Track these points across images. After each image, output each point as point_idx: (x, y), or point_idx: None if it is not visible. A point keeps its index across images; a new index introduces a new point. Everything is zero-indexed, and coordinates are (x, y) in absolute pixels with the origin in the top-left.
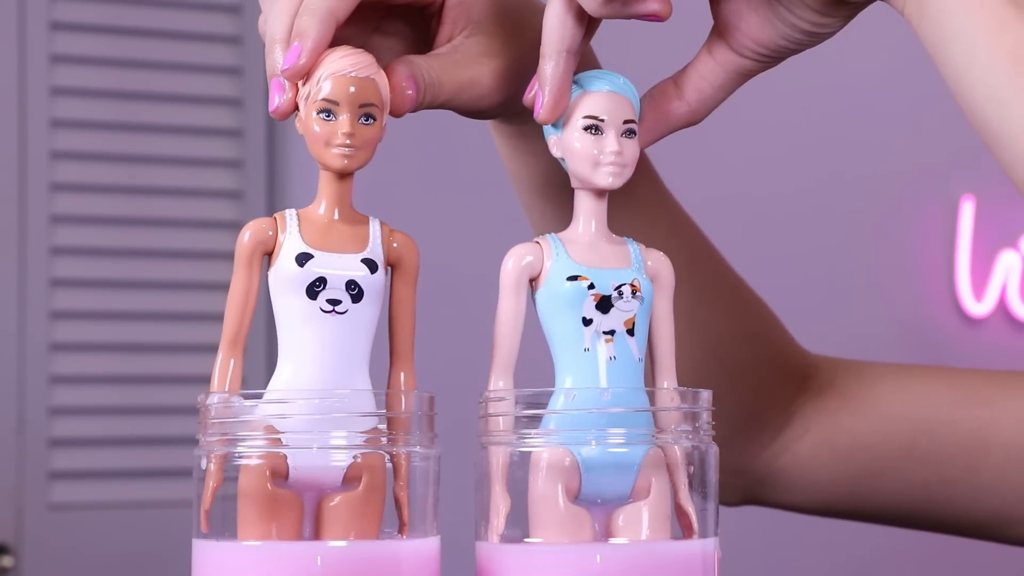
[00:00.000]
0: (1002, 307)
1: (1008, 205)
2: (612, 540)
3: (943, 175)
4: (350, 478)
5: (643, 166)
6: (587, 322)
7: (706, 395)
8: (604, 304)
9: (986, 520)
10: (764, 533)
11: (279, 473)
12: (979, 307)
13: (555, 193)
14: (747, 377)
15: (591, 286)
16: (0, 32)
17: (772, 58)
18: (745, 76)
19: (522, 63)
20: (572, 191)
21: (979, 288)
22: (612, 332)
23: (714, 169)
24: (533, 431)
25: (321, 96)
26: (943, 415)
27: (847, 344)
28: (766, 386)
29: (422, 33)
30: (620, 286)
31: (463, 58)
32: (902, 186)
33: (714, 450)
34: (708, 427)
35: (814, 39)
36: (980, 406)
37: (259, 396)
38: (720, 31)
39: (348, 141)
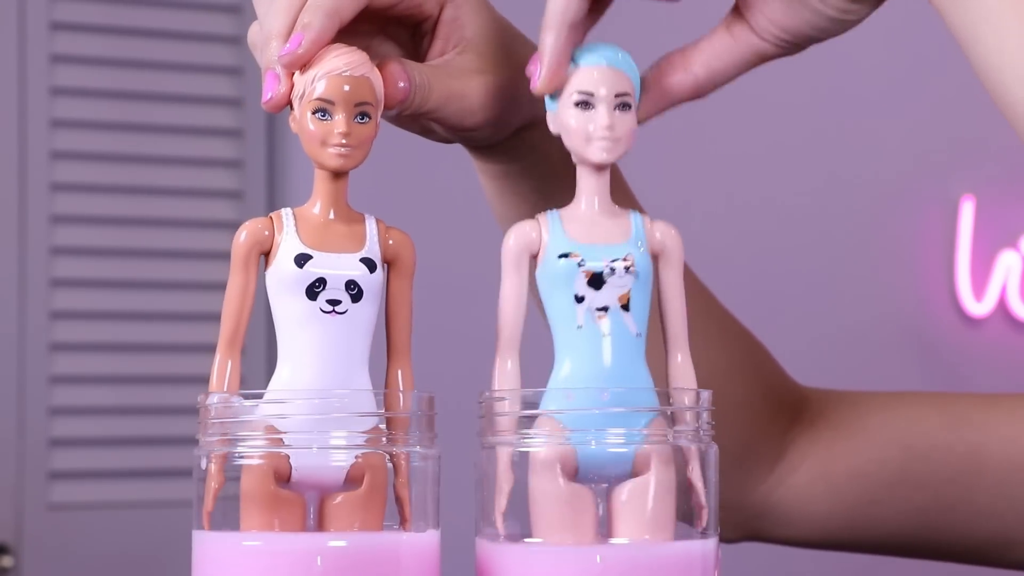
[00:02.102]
0: (1002, 307)
1: (1008, 205)
2: (612, 540)
3: (943, 175)
4: (352, 479)
5: (630, 202)
6: (579, 299)
7: (706, 395)
8: (596, 280)
9: (986, 544)
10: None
11: (282, 475)
12: (979, 307)
13: None
14: (740, 412)
15: (582, 262)
16: (0, 32)
17: (794, 44)
18: (762, 59)
19: (510, 86)
20: None
21: (979, 288)
22: (606, 308)
23: (713, 169)
24: (533, 431)
25: (316, 95)
26: (936, 440)
27: (847, 344)
28: (759, 420)
29: (411, 56)
30: (613, 261)
31: (454, 71)
32: (902, 186)
33: (714, 450)
34: (708, 427)
35: (839, 27)
36: (972, 429)
37: (259, 396)
38: (742, 10)
39: (344, 140)
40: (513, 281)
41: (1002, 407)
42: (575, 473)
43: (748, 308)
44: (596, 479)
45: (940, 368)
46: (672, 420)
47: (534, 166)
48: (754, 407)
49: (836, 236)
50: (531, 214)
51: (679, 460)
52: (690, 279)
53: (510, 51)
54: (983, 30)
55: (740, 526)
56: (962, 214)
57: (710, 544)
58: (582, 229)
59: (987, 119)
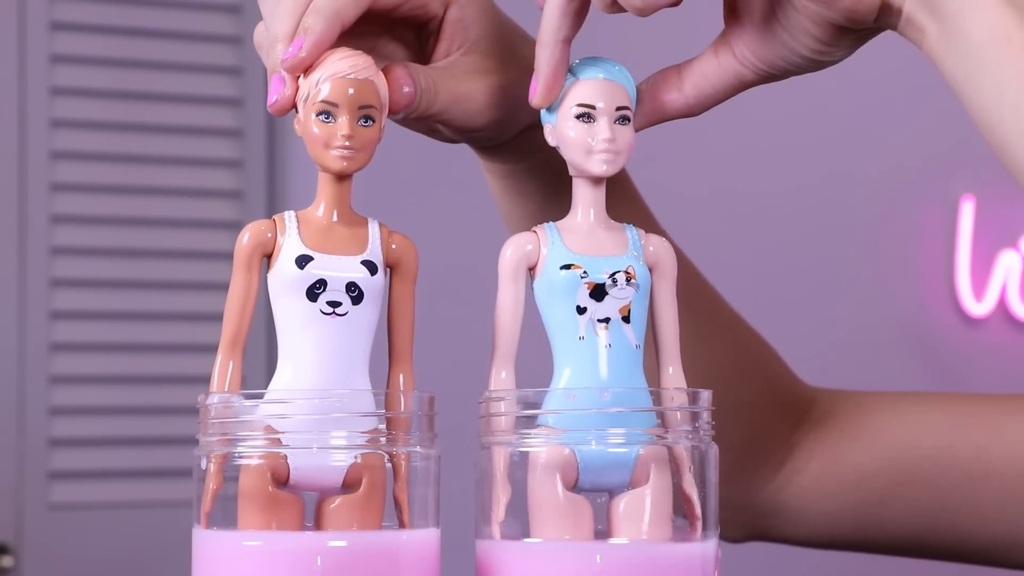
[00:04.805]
0: (1002, 307)
1: (1008, 205)
2: (612, 540)
3: (943, 175)
4: (350, 481)
5: (637, 205)
6: (581, 310)
7: (706, 395)
8: (598, 292)
9: (992, 544)
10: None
11: (279, 476)
12: (979, 307)
13: None
14: (747, 412)
15: (584, 274)
16: (0, 32)
17: (772, 75)
18: (746, 85)
19: (514, 87)
20: None
21: (979, 288)
22: (607, 320)
23: (713, 168)
24: (533, 431)
25: (320, 98)
26: (943, 441)
27: (847, 344)
28: (766, 420)
29: (417, 56)
30: (614, 273)
31: (459, 72)
32: (902, 186)
33: (714, 450)
34: (708, 427)
35: (815, 65)
36: (979, 430)
37: (259, 396)
38: (727, 38)
39: (347, 143)
40: (510, 291)
41: (1009, 408)
42: (576, 480)
43: (748, 308)
44: (597, 486)
45: (940, 368)
46: (671, 421)
47: (540, 165)
48: (761, 407)
49: (836, 236)
50: (537, 213)
51: (678, 461)
52: (697, 279)
53: (515, 51)
54: (982, 84)
55: (746, 526)
56: (962, 214)
57: (710, 544)
58: (581, 241)
59: None
